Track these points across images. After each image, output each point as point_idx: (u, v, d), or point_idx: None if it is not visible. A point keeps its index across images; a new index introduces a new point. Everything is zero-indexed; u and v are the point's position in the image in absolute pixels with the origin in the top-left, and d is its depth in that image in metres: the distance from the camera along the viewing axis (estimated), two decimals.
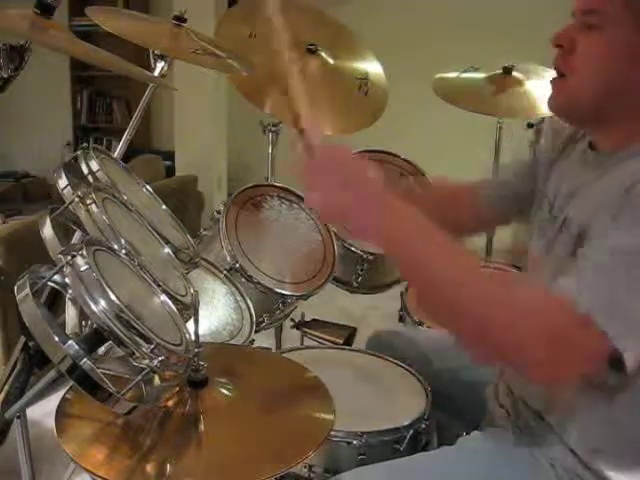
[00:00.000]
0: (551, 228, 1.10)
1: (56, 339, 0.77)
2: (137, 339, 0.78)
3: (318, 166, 0.95)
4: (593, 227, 0.94)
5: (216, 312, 1.58)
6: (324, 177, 0.93)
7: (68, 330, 0.87)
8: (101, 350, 0.84)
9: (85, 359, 0.77)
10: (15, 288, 0.81)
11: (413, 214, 0.91)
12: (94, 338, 0.81)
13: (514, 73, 2.39)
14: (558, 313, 0.85)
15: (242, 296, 1.63)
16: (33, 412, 0.96)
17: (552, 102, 1.06)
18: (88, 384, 0.77)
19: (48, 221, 0.92)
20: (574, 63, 1.00)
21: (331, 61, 1.99)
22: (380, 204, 0.91)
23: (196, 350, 0.91)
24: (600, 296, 0.85)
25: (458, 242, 0.93)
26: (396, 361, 1.42)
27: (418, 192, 1.31)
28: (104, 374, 0.79)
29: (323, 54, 1.98)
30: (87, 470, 0.80)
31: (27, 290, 0.80)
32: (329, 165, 0.94)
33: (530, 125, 3.66)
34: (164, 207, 1.22)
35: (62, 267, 0.81)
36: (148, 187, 1.22)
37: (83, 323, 0.87)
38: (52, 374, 0.82)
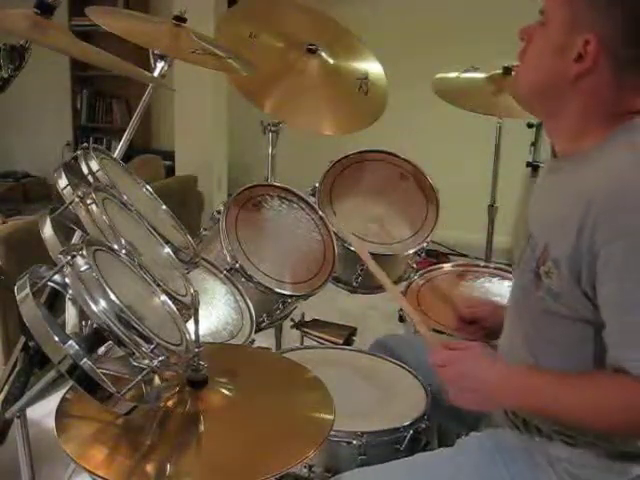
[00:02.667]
0: (524, 241, 1.14)
1: (56, 339, 0.77)
2: (137, 339, 0.78)
3: (450, 371, 1.11)
4: (559, 246, 1.00)
5: (216, 312, 1.58)
6: (456, 380, 1.10)
7: (68, 330, 0.87)
8: (101, 350, 0.84)
9: (85, 359, 0.77)
10: (15, 288, 0.81)
11: (531, 382, 1.04)
12: (94, 338, 0.81)
13: (514, 73, 2.39)
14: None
15: (242, 296, 1.63)
16: (33, 412, 0.96)
17: (509, 87, 1.19)
18: (88, 384, 0.78)
19: (48, 221, 0.92)
20: (525, 54, 1.10)
21: (331, 61, 2.00)
22: (505, 395, 1.07)
23: (196, 350, 0.91)
24: None
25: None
26: (396, 361, 1.42)
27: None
28: (104, 374, 0.79)
29: (323, 54, 1.98)
30: (87, 470, 0.80)
31: (27, 290, 0.80)
32: (456, 370, 1.10)
33: (530, 125, 3.67)
34: (164, 207, 1.22)
35: (62, 267, 0.81)
36: (148, 187, 1.22)
37: (83, 323, 0.87)
38: (52, 374, 0.82)
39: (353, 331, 2.00)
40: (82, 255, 0.80)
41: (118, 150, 1.68)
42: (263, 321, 1.70)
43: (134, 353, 0.79)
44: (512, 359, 1.14)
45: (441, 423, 1.34)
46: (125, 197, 1.05)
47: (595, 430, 1.02)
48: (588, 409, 0.98)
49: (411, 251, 1.90)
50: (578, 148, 1.05)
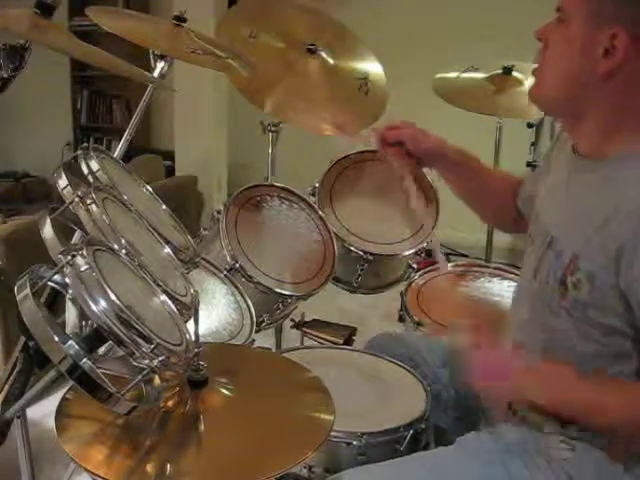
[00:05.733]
0: (541, 243, 1.10)
1: (56, 339, 0.77)
2: (137, 339, 0.78)
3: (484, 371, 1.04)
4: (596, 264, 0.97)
5: (216, 312, 1.58)
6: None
7: (68, 330, 0.87)
8: (101, 350, 0.84)
9: (85, 359, 0.77)
10: (15, 288, 0.81)
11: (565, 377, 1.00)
12: (94, 338, 0.81)
13: (514, 73, 2.39)
14: None
15: (242, 296, 1.63)
16: (33, 412, 0.96)
17: (528, 92, 1.12)
18: (88, 384, 0.77)
19: (48, 221, 0.92)
20: (545, 56, 1.05)
21: (331, 61, 2.00)
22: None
23: (196, 350, 0.91)
24: None
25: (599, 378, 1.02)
26: (396, 361, 1.42)
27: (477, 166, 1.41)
28: (104, 374, 0.79)
29: (323, 54, 1.98)
30: (87, 470, 0.80)
31: (27, 290, 0.80)
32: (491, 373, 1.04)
33: (530, 125, 3.66)
34: (164, 207, 1.22)
35: (62, 267, 0.81)
36: (148, 187, 1.22)
37: (83, 323, 0.87)
38: (52, 374, 0.82)
39: (353, 331, 2.01)
40: (82, 255, 0.80)
41: (118, 150, 1.68)
42: (263, 321, 1.69)
43: (134, 353, 0.78)
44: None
45: (440, 423, 1.34)
46: (125, 197, 1.05)
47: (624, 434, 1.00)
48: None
49: (411, 251, 1.90)
50: (611, 150, 1.01)
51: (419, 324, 1.72)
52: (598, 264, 0.96)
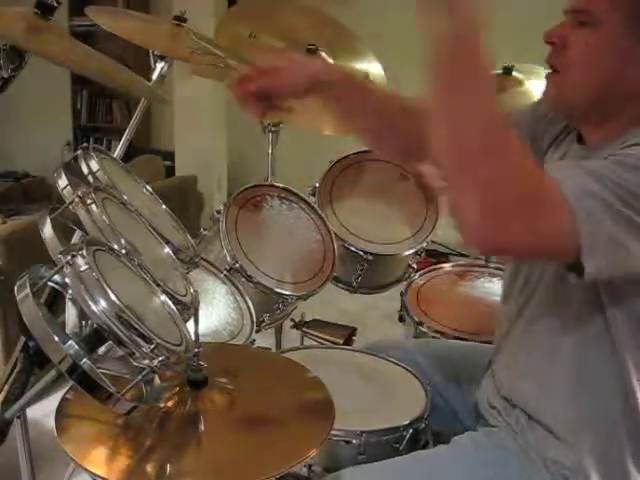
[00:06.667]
0: None
1: (56, 339, 0.77)
2: (137, 339, 0.78)
3: None
4: None
5: (216, 312, 1.58)
6: None
7: (68, 330, 0.87)
8: (101, 350, 0.84)
9: (85, 359, 0.77)
10: (15, 288, 0.81)
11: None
12: (94, 338, 0.81)
13: (514, 73, 2.39)
14: (540, 179, 0.84)
15: (242, 296, 1.63)
16: (33, 412, 0.96)
17: (546, 97, 1.08)
18: (88, 384, 0.77)
19: (48, 221, 0.92)
20: (567, 60, 1.00)
21: (331, 61, 2.00)
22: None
23: (196, 350, 0.92)
24: (582, 190, 0.84)
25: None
26: (396, 361, 1.42)
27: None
28: (104, 374, 0.79)
29: (323, 54, 1.98)
30: (87, 470, 0.80)
31: (27, 290, 0.80)
32: None
33: None
34: (164, 207, 1.22)
35: (62, 267, 0.81)
36: (148, 187, 1.22)
37: (83, 323, 0.87)
38: (52, 374, 0.82)
39: (353, 331, 2.01)
40: (82, 255, 0.80)
41: (118, 150, 1.68)
42: (263, 321, 1.69)
43: (134, 353, 0.79)
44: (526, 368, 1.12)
45: (438, 423, 1.34)
46: (125, 197, 1.05)
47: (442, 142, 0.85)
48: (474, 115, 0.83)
49: (411, 251, 1.90)
50: (615, 139, 0.98)
51: (419, 324, 1.72)
52: None
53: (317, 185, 1.93)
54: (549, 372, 1.07)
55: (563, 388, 1.05)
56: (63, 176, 0.99)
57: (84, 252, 0.81)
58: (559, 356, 1.05)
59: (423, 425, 1.23)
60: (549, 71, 1.05)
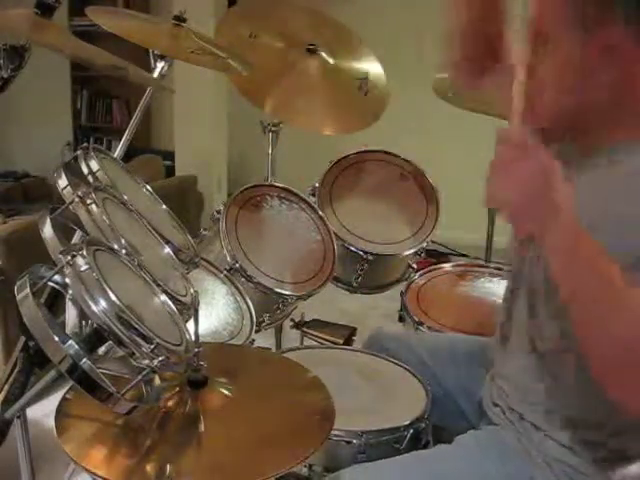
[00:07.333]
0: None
1: (56, 339, 0.77)
2: (137, 339, 0.78)
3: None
4: None
5: (216, 312, 1.58)
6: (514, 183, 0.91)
7: (68, 330, 0.87)
8: (101, 350, 0.84)
9: (85, 359, 0.77)
10: (15, 288, 0.81)
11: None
12: (94, 338, 0.81)
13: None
14: None
15: (242, 296, 1.63)
16: (33, 412, 0.96)
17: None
18: (88, 384, 0.78)
19: (48, 221, 0.92)
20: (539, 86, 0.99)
21: (331, 61, 2.00)
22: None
23: (196, 350, 0.92)
24: None
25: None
26: (396, 361, 1.42)
27: None
28: (104, 374, 0.79)
29: (323, 54, 1.98)
30: (87, 470, 0.80)
31: (27, 290, 0.80)
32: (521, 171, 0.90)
33: None
34: (164, 207, 1.22)
35: (62, 267, 0.81)
36: (148, 187, 1.22)
37: (83, 323, 0.87)
38: (52, 374, 0.82)
39: (353, 331, 2.01)
40: (82, 255, 0.80)
41: (118, 150, 1.68)
42: (263, 321, 1.70)
43: (134, 353, 0.79)
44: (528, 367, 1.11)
45: (439, 422, 1.34)
46: (125, 197, 1.05)
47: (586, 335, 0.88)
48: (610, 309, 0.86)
49: (411, 251, 1.90)
50: (610, 141, 0.99)
51: (419, 324, 1.72)
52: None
53: (317, 185, 1.93)
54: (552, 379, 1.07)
55: (565, 393, 1.05)
56: (63, 176, 1.00)
57: (84, 252, 0.81)
58: (564, 364, 1.05)
59: (424, 425, 1.23)
60: None
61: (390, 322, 2.03)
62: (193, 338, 0.92)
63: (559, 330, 1.03)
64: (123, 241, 0.92)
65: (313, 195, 1.90)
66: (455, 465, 1.11)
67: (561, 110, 1.02)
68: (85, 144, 1.09)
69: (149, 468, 0.83)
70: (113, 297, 0.78)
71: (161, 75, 1.67)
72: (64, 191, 0.98)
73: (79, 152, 1.06)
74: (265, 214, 1.80)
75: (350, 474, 1.10)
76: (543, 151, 0.89)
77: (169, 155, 4.60)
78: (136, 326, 0.78)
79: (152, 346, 0.79)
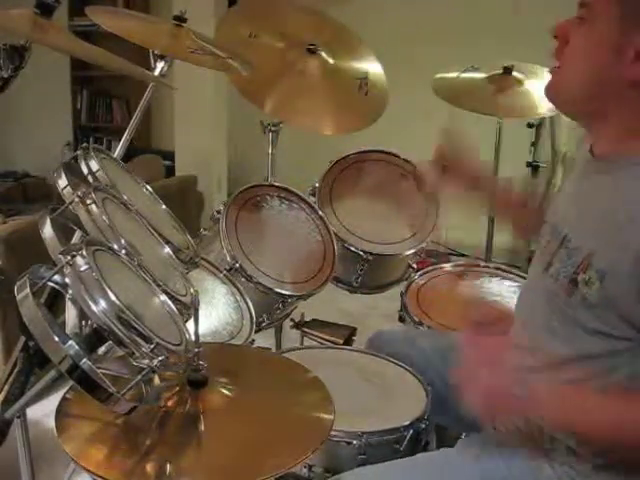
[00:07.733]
0: (554, 240, 1.10)
1: (56, 339, 0.77)
2: (137, 339, 0.78)
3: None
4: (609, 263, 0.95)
5: (216, 312, 1.58)
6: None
7: (68, 330, 0.87)
8: (101, 350, 0.84)
9: (85, 359, 0.77)
10: (15, 288, 0.81)
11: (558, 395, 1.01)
12: (94, 338, 0.81)
13: (514, 73, 2.39)
14: None
15: (242, 296, 1.63)
16: (33, 412, 0.96)
17: (546, 90, 1.09)
18: (88, 384, 0.78)
19: (48, 221, 0.92)
20: (566, 54, 1.03)
21: (331, 61, 2.00)
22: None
23: (196, 350, 0.91)
24: None
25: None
26: (396, 361, 1.42)
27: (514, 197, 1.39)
28: (104, 374, 0.79)
29: (323, 54, 1.98)
30: (87, 470, 0.80)
31: (27, 290, 0.80)
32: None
33: (530, 125, 3.66)
34: (164, 207, 1.22)
35: (62, 267, 0.81)
36: (148, 187, 1.22)
37: (83, 323, 0.87)
38: (52, 374, 0.82)
39: (353, 331, 2.01)
40: (82, 255, 0.80)
41: (118, 150, 1.68)
42: (263, 321, 1.70)
43: (134, 353, 0.79)
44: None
45: (441, 423, 1.34)
46: (125, 197, 1.05)
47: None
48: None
49: (411, 251, 1.90)
50: (626, 151, 1.00)
51: (419, 324, 1.71)
52: (613, 264, 0.95)
53: (317, 185, 1.93)
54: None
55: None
56: (63, 176, 0.99)
57: (84, 252, 0.81)
58: (564, 348, 1.05)
59: (424, 425, 1.23)
60: (552, 66, 1.07)
61: (390, 322, 2.02)
62: (193, 338, 0.92)
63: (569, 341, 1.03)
64: (123, 241, 0.92)
65: (313, 195, 1.90)
66: (459, 468, 1.10)
67: (577, 86, 1.02)
68: (85, 144, 1.09)
69: (149, 468, 0.83)
70: (113, 297, 0.78)
71: (161, 75, 1.67)
72: (64, 191, 0.98)
73: (79, 152, 1.06)
74: (265, 214, 1.80)
75: (351, 476, 1.10)
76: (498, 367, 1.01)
77: (169, 155, 4.59)
78: (136, 326, 0.78)
79: (152, 346, 0.79)
